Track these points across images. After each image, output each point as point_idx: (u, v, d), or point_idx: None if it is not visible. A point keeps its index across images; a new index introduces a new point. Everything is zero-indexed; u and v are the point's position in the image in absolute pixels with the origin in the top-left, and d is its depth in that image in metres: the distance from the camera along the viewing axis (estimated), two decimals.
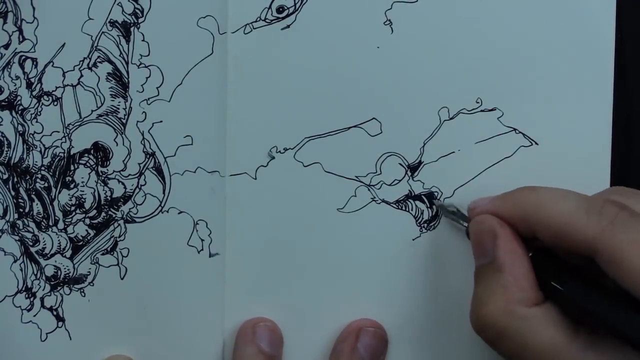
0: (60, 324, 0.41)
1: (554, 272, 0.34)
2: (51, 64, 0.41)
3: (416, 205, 0.40)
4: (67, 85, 0.41)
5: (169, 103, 0.40)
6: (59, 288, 0.41)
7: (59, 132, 0.41)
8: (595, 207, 0.33)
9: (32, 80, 0.41)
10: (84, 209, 0.41)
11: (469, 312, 0.35)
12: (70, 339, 0.41)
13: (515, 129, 0.40)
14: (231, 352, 0.41)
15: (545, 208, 0.34)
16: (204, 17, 0.40)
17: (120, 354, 0.41)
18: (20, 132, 0.41)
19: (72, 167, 0.41)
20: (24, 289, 0.41)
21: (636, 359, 0.31)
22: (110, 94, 0.41)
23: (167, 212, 0.41)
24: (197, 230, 0.41)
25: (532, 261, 0.35)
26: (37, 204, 0.41)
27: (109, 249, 0.41)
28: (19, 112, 0.41)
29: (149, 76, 0.40)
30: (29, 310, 0.41)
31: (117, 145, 0.41)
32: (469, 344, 0.40)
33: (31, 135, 0.41)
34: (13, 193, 0.41)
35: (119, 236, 0.41)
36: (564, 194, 0.34)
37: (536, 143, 0.40)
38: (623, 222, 0.32)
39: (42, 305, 0.41)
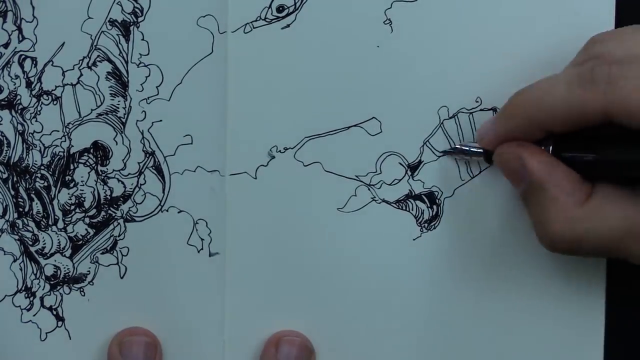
0: (60, 323, 0.41)
1: (580, 149, 0.35)
2: (51, 63, 0.40)
3: (416, 205, 0.40)
4: (67, 84, 0.41)
5: (169, 102, 0.40)
6: (58, 287, 0.41)
7: (58, 131, 0.41)
8: (586, 78, 0.33)
9: (32, 79, 0.41)
10: (84, 208, 0.41)
11: (536, 237, 0.35)
12: (70, 339, 0.41)
13: None
14: (232, 351, 0.41)
15: (542, 103, 0.34)
16: (204, 16, 0.40)
17: (134, 327, 0.41)
18: (20, 131, 0.41)
19: (71, 166, 0.41)
20: (23, 288, 0.41)
21: None
22: (110, 93, 0.41)
23: (167, 211, 0.41)
24: (197, 230, 0.41)
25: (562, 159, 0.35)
26: (36, 203, 0.41)
27: (108, 248, 0.41)
28: (19, 111, 0.41)
29: (149, 75, 0.40)
30: (28, 310, 0.41)
31: (116, 144, 0.41)
32: (477, 339, 0.40)
33: (31, 135, 0.41)
34: (13, 192, 0.41)
35: (119, 235, 0.41)
36: (549, 81, 0.34)
37: None
38: (618, 77, 0.32)
39: (42, 305, 0.41)
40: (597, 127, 0.33)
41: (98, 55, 0.40)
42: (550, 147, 0.35)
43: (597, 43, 0.35)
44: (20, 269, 0.41)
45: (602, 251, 0.34)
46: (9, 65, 0.41)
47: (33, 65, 0.40)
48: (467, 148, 0.39)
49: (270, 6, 0.40)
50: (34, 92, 0.41)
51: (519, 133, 0.36)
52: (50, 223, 0.41)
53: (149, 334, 0.41)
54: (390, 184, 0.40)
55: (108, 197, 0.41)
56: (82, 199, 0.41)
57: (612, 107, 0.32)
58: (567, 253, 0.35)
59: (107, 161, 0.41)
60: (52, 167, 0.41)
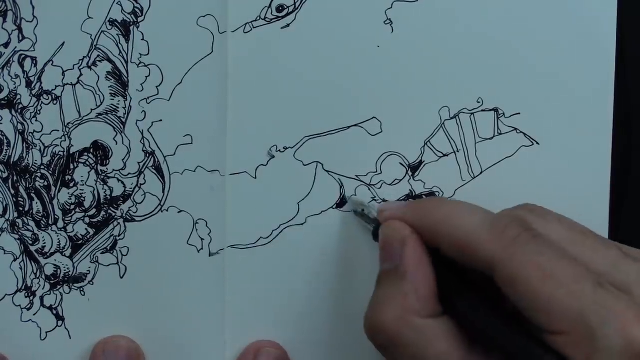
0: (60, 323, 0.41)
1: (452, 286, 0.34)
2: (51, 62, 0.40)
3: None
4: (67, 84, 0.41)
5: (169, 102, 0.40)
6: (58, 287, 0.41)
7: (58, 131, 0.41)
8: (499, 225, 0.32)
9: (32, 79, 0.41)
10: (84, 208, 0.41)
11: (364, 315, 0.35)
12: (70, 338, 0.41)
13: (516, 129, 0.40)
14: (232, 351, 0.41)
15: (451, 221, 0.33)
16: (204, 16, 0.40)
17: (121, 335, 0.41)
18: (20, 130, 0.41)
19: (71, 166, 0.41)
20: (23, 287, 0.41)
21: None
22: (110, 93, 0.41)
23: (167, 211, 0.41)
24: (197, 230, 0.41)
25: (435, 272, 0.34)
26: (36, 203, 0.41)
27: (108, 247, 0.41)
28: (19, 110, 0.41)
29: (149, 75, 0.40)
30: (28, 309, 0.41)
31: (116, 144, 0.41)
32: None
33: (31, 134, 0.41)
34: (13, 192, 0.41)
35: (119, 235, 0.41)
36: (471, 209, 0.34)
37: (537, 143, 0.40)
38: (525, 243, 0.31)
39: (42, 304, 0.41)
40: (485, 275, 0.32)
41: (98, 55, 0.40)
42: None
43: (528, 211, 0.35)
44: (21, 269, 0.41)
45: None
46: (9, 65, 0.41)
47: (33, 65, 0.40)
48: (366, 214, 0.39)
49: (270, 6, 0.40)
50: (34, 92, 0.41)
51: (416, 230, 0.35)
52: (50, 222, 0.41)
53: (133, 343, 0.41)
54: (390, 184, 0.40)
55: (108, 196, 0.41)
56: (82, 198, 0.41)
57: (499, 265, 0.31)
58: (378, 347, 0.34)
59: (107, 161, 0.41)
60: (52, 166, 0.41)
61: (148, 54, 0.40)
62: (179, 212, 0.41)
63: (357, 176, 0.40)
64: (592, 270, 0.31)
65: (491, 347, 0.32)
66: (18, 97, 0.41)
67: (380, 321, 0.34)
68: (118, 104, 0.41)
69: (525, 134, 0.40)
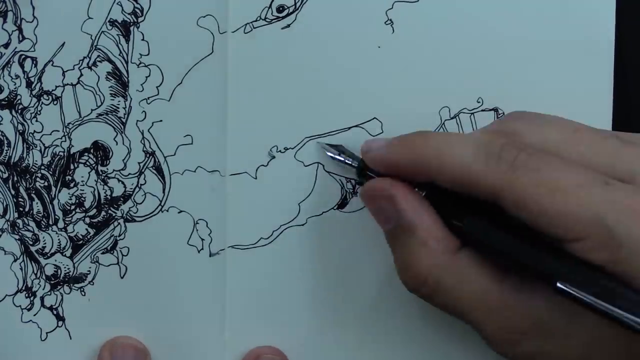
0: (60, 323, 0.41)
1: (453, 211, 0.34)
2: (51, 63, 0.40)
3: None
4: (67, 84, 0.40)
5: (169, 102, 0.40)
6: (59, 287, 0.41)
7: (58, 131, 0.41)
8: (493, 152, 0.32)
9: (32, 79, 0.41)
10: (84, 208, 0.41)
11: (400, 278, 0.35)
12: (71, 339, 0.41)
13: None
14: (232, 352, 0.41)
15: (443, 156, 0.33)
16: (204, 17, 0.40)
17: (125, 335, 0.41)
18: (20, 131, 0.41)
19: (72, 166, 0.41)
20: (24, 288, 0.41)
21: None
22: (110, 93, 0.41)
23: (167, 211, 0.41)
24: (197, 230, 0.41)
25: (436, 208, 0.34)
26: (37, 203, 0.41)
27: (109, 248, 0.41)
28: (19, 111, 0.41)
29: (149, 75, 0.40)
30: (29, 310, 0.41)
31: (117, 144, 0.41)
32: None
33: (31, 135, 0.41)
34: (13, 192, 0.41)
35: (119, 235, 0.41)
36: (459, 140, 0.33)
37: None
38: (523, 164, 0.31)
39: (42, 305, 0.41)
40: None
41: (98, 56, 0.40)
42: (423, 193, 0.34)
43: (515, 120, 0.34)
44: (21, 269, 0.41)
45: (452, 310, 0.33)
46: (9, 65, 0.41)
47: (33, 65, 0.40)
48: (342, 158, 0.39)
49: (270, 6, 0.40)
50: (34, 92, 0.41)
51: (404, 169, 0.34)
52: (50, 223, 0.41)
53: (139, 343, 0.41)
54: None
55: (108, 197, 0.41)
56: (83, 198, 0.41)
57: (504, 191, 0.31)
58: (423, 297, 0.34)
59: (108, 161, 0.41)
60: (53, 167, 0.41)
61: (148, 54, 0.40)
62: (179, 213, 0.41)
63: (357, 176, 0.40)
64: (594, 168, 0.31)
65: (512, 263, 0.32)
66: (18, 97, 0.41)
67: (414, 277, 0.34)
68: (118, 104, 0.41)
69: None
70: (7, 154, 0.41)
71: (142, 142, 0.41)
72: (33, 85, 0.41)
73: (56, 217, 0.41)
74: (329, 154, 0.39)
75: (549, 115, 0.35)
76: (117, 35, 0.40)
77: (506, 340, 0.32)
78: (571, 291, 0.29)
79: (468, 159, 0.32)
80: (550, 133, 0.33)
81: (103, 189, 0.41)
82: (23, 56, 0.40)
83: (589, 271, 0.29)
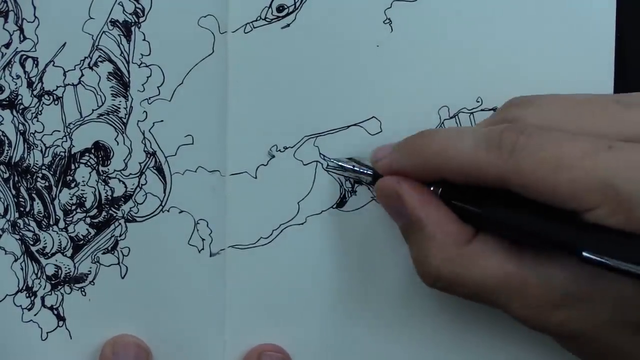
0: (60, 323, 0.41)
1: (467, 199, 0.34)
2: (52, 63, 0.41)
3: None
4: (68, 84, 0.41)
5: (170, 102, 0.40)
6: (59, 287, 0.41)
7: (59, 131, 0.41)
8: (494, 139, 0.32)
9: (33, 79, 0.41)
10: (85, 208, 0.41)
11: (417, 272, 0.35)
12: (71, 338, 0.42)
13: None
14: (232, 351, 0.41)
15: (447, 153, 0.33)
16: (205, 17, 0.40)
17: (127, 334, 0.41)
18: (21, 131, 0.41)
19: (72, 167, 0.41)
20: (24, 288, 0.41)
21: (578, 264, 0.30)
22: (111, 93, 0.41)
23: (168, 211, 0.41)
24: (197, 230, 0.41)
25: (444, 198, 0.35)
26: (37, 203, 0.41)
27: (109, 248, 0.41)
28: (20, 111, 0.41)
29: (150, 75, 0.40)
30: (29, 310, 0.42)
31: (117, 144, 0.41)
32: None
33: (32, 135, 0.41)
34: (14, 192, 0.41)
35: (120, 235, 0.41)
36: (461, 134, 0.34)
37: None
38: (524, 147, 0.31)
39: (43, 305, 0.41)
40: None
41: (99, 56, 0.41)
42: (440, 190, 0.35)
43: (513, 106, 0.35)
44: (21, 269, 0.41)
45: (476, 297, 0.34)
46: (10, 65, 0.41)
47: (34, 65, 0.41)
48: (357, 168, 0.39)
49: (270, 6, 0.40)
50: (35, 92, 0.41)
51: (412, 171, 0.35)
52: (51, 223, 0.41)
53: (142, 342, 0.41)
54: None
55: (109, 197, 0.41)
56: (83, 199, 0.41)
57: (510, 176, 0.31)
58: (443, 290, 0.34)
59: (108, 161, 0.41)
60: (53, 167, 0.41)
61: (149, 54, 0.40)
62: (180, 213, 0.41)
63: (356, 176, 0.40)
64: (598, 136, 0.31)
65: (534, 240, 0.32)
66: (19, 97, 0.41)
67: (430, 272, 0.34)
68: (119, 105, 0.41)
69: None
70: (8, 154, 0.41)
71: (143, 142, 0.41)
72: (34, 85, 0.41)
73: (57, 217, 0.41)
74: (345, 165, 0.39)
75: (547, 95, 0.35)
76: (118, 35, 0.40)
77: (536, 315, 0.32)
78: (597, 258, 0.29)
79: (470, 152, 0.33)
80: (550, 111, 0.33)
81: (104, 189, 0.41)
82: (24, 56, 0.41)
83: (610, 236, 0.29)
